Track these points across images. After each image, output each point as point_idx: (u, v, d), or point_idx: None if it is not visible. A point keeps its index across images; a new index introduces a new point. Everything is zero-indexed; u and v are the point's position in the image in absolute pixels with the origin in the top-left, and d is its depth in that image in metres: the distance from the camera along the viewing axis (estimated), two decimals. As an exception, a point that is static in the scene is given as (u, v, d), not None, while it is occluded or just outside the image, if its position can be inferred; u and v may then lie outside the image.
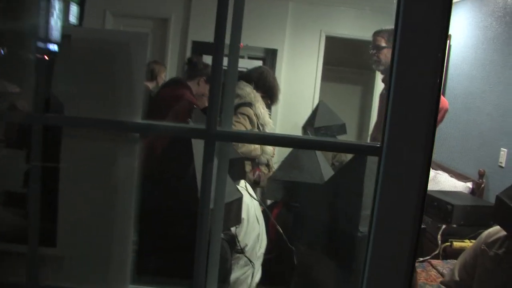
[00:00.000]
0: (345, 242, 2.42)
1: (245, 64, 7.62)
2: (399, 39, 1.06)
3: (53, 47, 1.23)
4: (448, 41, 6.18)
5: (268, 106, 4.69)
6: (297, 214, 3.57)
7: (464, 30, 6.07)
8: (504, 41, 5.20)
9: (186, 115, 4.08)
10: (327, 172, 3.73)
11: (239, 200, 2.68)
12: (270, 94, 4.57)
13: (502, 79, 5.14)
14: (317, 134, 6.62)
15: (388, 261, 1.14)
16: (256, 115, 4.28)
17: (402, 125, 1.06)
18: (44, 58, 1.23)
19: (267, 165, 4.46)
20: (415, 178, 1.07)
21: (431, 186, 5.78)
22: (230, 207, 2.56)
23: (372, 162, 2.62)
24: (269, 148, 4.35)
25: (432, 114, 1.04)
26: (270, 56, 7.82)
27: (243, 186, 3.44)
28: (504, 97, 5.08)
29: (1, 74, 1.49)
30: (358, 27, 7.73)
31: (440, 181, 5.74)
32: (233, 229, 2.89)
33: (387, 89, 3.46)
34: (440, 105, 4.12)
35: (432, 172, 6.03)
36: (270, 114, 4.66)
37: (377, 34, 4.19)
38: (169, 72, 7.42)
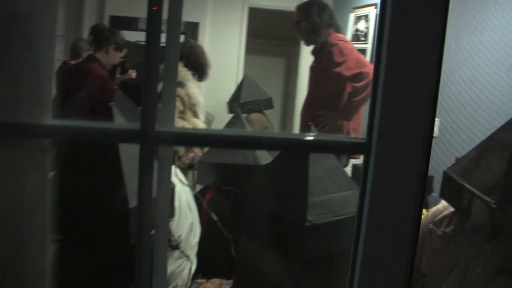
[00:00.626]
0: (291, 232, 2.22)
1: (164, 39, 7.29)
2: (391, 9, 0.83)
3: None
4: (375, 10, 6.09)
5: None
6: (234, 200, 3.36)
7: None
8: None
9: (104, 96, 3.77)
10: (262, 153, 3.52)
11: (172, 190, 2.43)
12: (200, 71, 4.27)
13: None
14: (243, 109, 6.43)
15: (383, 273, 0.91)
16: (188, 95, 3.99)
17: (395, 114, 0.83)
18: None
19: None
20: (411, 178, 0.85)
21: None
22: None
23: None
24: (201, 127, 4.06)
25: (431, 100, 0.82)
26: (191, 30, 7.51)
27: (172, 172, 3.19)
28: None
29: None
30: (280, -2, 7.55)
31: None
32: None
33: (321, 65, 3.30)
34: (371, 76, 4.00)
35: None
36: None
37: (296, 8, 4.20)
38: (86, 48, 7.03)
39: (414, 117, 0.84)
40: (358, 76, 3.89)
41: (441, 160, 3.80)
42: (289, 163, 2.42)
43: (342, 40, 4.07)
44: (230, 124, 3.68)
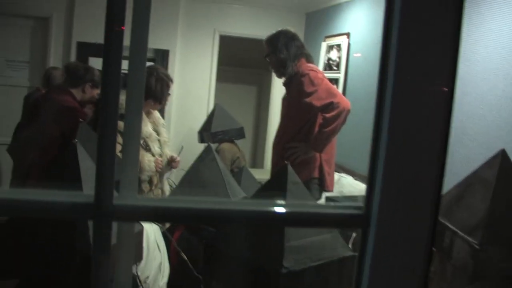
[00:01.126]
0: (266, 279, 2.08)
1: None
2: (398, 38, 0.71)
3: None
4: (347, 39, 6.04)
5: (160, 112, 4.27)
6: (205, 239, 3.20)
7: (363, 27, 5.90)
8: (406, 39, 5.04)
9: (70, 130, 3.61)
10: (233, 189, 3.38)
11: (140, 233, 2.28)
12: (155, 97, 3.99)
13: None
14: (214, 139, 6.32)
15: None
16: None
17: (400, 177, 0.71)
18: None
19: (149, 182, 3.96)
20: (417, 255, 0.72)
21: (335, 190, 5.58)
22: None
23: (292, 176, 2.31)
24: (148, 164, 3.85)
25: (441, 156, 0.69)
26: (161, 57, 7.39)
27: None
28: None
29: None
30: (252, 25, 7.52)
31: (345, 184, 5.54)
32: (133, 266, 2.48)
33: (292, 96, 3.19)
34: (342, 106, 3.94)
35: (336, 175, 5.84)
36: (163, 123, 4.21)
37: (264, 41, 4.15)
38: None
39: (421, 180, 0.72)
40: (329, 106, 3.81)
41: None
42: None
43: (312, 70, 3.98)
44: (200, 158, 3.53)
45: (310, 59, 4.14)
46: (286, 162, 2.24)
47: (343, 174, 5.77)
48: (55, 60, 7.00)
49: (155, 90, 3.90)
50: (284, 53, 3.99)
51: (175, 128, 7.48)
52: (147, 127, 3.87)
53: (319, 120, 3.91)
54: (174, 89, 7.41)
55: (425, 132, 0.78)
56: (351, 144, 5.89)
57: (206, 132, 6.40)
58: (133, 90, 0.89)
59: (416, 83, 0.78)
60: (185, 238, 3.37)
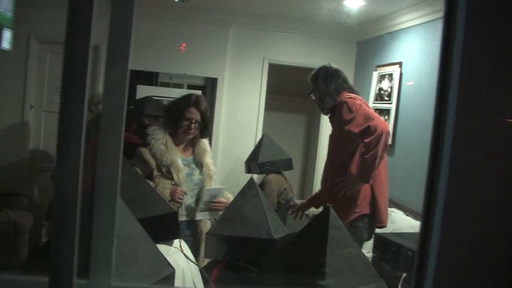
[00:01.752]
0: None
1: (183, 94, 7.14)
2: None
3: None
4: (399, 69, 5.84)
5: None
6: (245, 279, 3.05)
7: (416, 56, 5.70)
8: (461, 69, 4.82)
9: None
10: (276, 226, 3.21)
11: (171, 276, 2.14)
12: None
13: (461, 110, 4.75)
14: (261, 170, 6.18)
15: None
16: (152, 154, 3.66)
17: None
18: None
19: None
20: None
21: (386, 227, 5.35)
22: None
23: (334, 220, 2.14)
24: (161, 191, 3.66)
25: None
26: (210, 85, 7.33)
27: (177, 246, 2.91)
28: (463, 130, 4.68)
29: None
30: (302, 54, 7.40)
31: (396, 220, 5.31)
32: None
33: (336, 128, 3.05)
34: (380, 129, 3.76)
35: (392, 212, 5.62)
36: (209, 154, 4.04)
37: (308, 79, 4.18)
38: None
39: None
40: (367, 131, 3.64)
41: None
42: (305, 249, 2.12)
43: (350, 98, 3.85)
44: (242, 193, 3.39)
45: (353, 92, 4.00)
46: (328, 205, 2.08)
47: (393, 209, 5.54)
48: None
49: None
50: (323, 89, 3.97)
51: (222, 157, 7.38)
52: (171, 155, 3.69)
53: (362, 149, 3.76)
54: (222, 118, 7.34)
55: (492, 168, 0.64)
56: (402, 177, 5.67)
57: (253, 163, 6.27)
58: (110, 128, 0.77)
59: (481, 115, 0.69)
60: (225, 276, 3.22)
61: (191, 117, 3.75)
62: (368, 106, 3.89)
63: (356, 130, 3.70)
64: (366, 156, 3.64)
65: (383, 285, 2.02)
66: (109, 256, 0.89)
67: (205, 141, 3.98)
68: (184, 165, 3.78)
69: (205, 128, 3.91)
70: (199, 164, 3.91)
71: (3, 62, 6.66)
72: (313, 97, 4.13)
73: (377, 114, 3.89)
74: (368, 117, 3.70)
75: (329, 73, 4.02)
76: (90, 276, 0.84)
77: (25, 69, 6.88)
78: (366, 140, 3.64)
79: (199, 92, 5.20)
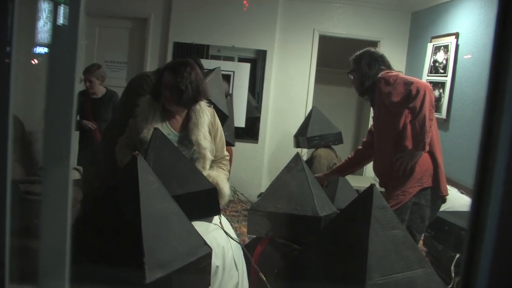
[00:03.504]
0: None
1: (233, 67, 7.05)
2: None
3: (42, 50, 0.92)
4: (455, 40, 5.60)
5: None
6: (288, 256, 2.96)
7: (474, 27, 5.44)
8: (522, 40, 4.57)
9: None
10: (322, 203, 3.10)
11: (207, 257, 2.05)
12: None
13: (521, 83, 4.51)
14: (310, 144, 6.06)
15: None
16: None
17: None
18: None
19: None
20: None
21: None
22: (194, 267, 1.94)
23: (378, 200, 2.02)
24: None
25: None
26: (261, 58, 7.22)
27: (217, 223, 2.83)
28: (523, 104, 4.44)
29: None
30: (354, 25, 7.22)
31: (449, 198, 5.11)
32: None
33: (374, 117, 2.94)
34: (422, 89, 3.62)
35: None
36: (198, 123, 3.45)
37: (350, 59, 4.05)
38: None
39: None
40: (409, 97, 3.51)
41: None
42: (348, 229, 2.00)
43: (386, 72, 3.74)
44: (288, 168, 3.29)
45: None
46: (372, 184, 1.96)
47: (448, 187, 5.35)
48: (152, 60, 7.01)
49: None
50: (366, 72, 3.86)
51: (271, 131, 7.29)
52: (146, 128, 3.23)
53: (409, 118, 3.63)
54: (271, 91, 7.22)
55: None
56: (457, 154, 5.46)
57: (302, 137, 6.15)
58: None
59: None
60: (268, 253, 3.14)
61: (165, 82, 3.31)
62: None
63: (398, 99, 3.60)
64: (415, 121, 3.51)
65: (431, 271, 1.89)
66: (63, 257, 0.79)
67: (199, 114, 3.40)
68: (175, 141, 3.25)
69: (184, 93, 3.28)
70: (191, 142, 3.31)
71: (57, 37, 6.70)
72: (351, 77, 4.02)
73: (415, 78, 3.76)
74: (406, 83, 3.59)
75: (374, 57, 3.91)
76: (39, 281, 0.76)
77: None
78: (410, 105, 3.52)
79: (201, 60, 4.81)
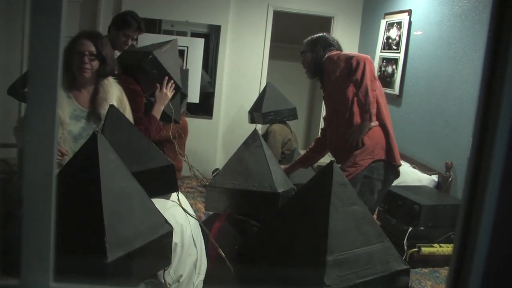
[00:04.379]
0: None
1: (186, 42, 6.97)
2: None
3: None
4: (408, 17, 5.65)
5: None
6: (245, 232, 2.98)
7: (426, 4, 5.50)
8: (473, 18, 4.65)
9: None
10: (280, 179, 3.12)
11: (168, 235, 2.05)
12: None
13: (472, 60, 4.60)
14: (265, 120, 6.08)
15: None
16: None
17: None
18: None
19: None
20: None
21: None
22: (155, 246, 1.93)
23: (338, 177, 2.03)
24: None
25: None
26: (214, 33, 7.15)
27: (175, 200, 2.82)
28: (474, 80, 4.54)
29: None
30: (308, 1, 7.20)
31: (402, 173, 5.20)
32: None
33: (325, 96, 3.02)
34: (361, 61, 3.69)
35: (393, 162, 5.52)
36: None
37: (304, 42, 4.16)
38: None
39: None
40: (350, 70, 3.63)
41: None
42: (308, 205, 2.02)
43: (331, 52, 3.90)
44: (245, 144, 3.29)
45: None
46: (332, 160, 1.97)
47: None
48: (104, 32, 6.87)
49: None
50: (320, 55, 3.96)
51: (225, 107, 7.26)
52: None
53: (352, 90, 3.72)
54: (225, 66, 7.18)
55: None
56: (410, 129, 5.55)
57: (256, 112, 6.15)
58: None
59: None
60: (225, 229, 3.15)
61: (82, 49, 3.19)
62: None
63: (341, 74, 3.70)
64: (358, 92, 3.59)
65: (389, 245, 1.92)
66: (46, 250, 0.78)
67: (106, 88, 3.31)
68: (81, 117, 3.21)
69: (103, 63, 3.24)
70: (99, 117, 3.22)
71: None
72: (303, 58, 4.10)
73: (357, 53, 3.87)
74: (347, 58, 3.71)
75: (329, 42, 4.01)
76: (21, 276, 0.74)
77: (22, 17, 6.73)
78: (353, 78, 3.60)
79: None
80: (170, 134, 4.36)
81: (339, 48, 4.00)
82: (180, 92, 4.35)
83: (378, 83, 3.77)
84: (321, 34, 4.07)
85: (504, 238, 0.82)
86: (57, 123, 0.87)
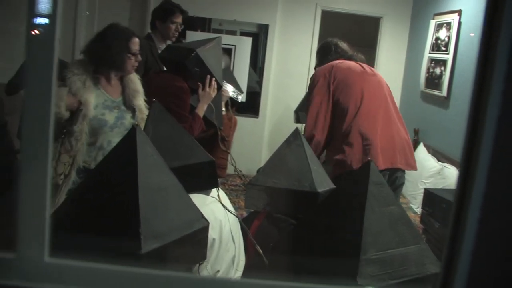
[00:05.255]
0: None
1: (234, 41, 7.00)
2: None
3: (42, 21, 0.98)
4: (458, 17, 5.56)
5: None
6: (284, 231, 2.98)
7: (476, 4, 5.40)
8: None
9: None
10: (320, 178, 3.11)
11: (204, 230, 2.06)
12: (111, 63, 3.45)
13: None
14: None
15: None
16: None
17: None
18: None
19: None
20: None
21: (437, 182, 5.18)
22: (190, 240, 1.95)
23: (375, 176, 2.02)
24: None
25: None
26: (263, 32, 7.18)
27: (215, 196, 2.84)
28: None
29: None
30: (356, 1, 7.16)
31: (448, 176, 5.13)
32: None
33: None
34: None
35: (438, 165, 5.44)
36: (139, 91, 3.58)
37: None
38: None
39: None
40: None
41: None
42: (344, 205, 2.01)
43: (326, 63, 4.03)
44: (287, 143, 3.29)
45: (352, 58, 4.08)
46: (370, 159, 1.96)
47: (445, 164, 5.36)
48: (153, 32, 6.96)
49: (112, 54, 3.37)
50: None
51: (272, 106, 7.27)
52: (87, 94, 3.26)
53: None
54: (273, 66, 7.20)
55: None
56: (457, 131, 5.46)
57: (302, 112, 6.13)
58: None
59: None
60: (264, 228, 3.15)
61: (136, 48, 3.37)
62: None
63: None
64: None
65: (425, 247, 1.90)
66: (42, 226, 0.79)
67: (136, 81, 3.53)
68: (113, 107, 3.40)
69: (142, 63, 3.65)
70: (131, 107, 3.47)
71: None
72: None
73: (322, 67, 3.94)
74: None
75: (326, 50, 4.17)
76: (17, 250, 0.76)
77: (74, 13, 6.88)
78: None
79: None
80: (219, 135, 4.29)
81: (340, 52, 3.98)
82: (237, 89, 4.43)
83: (356, 88, 3.75)
84: (323, 42, 4.22)
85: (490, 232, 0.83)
86: (52, 116, 0.90)
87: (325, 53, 4.06)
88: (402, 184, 3.80)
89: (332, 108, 3.74)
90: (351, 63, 3.94)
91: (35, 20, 0.92)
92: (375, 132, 3.68)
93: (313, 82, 3.70)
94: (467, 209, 0.82)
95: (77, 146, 3.22)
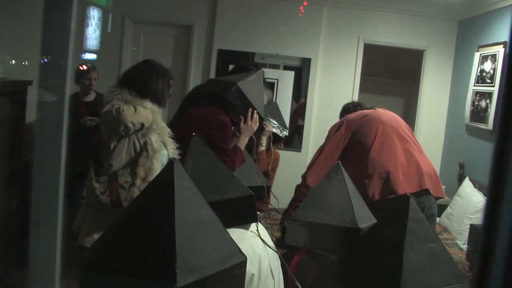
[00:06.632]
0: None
1: (276, 75, 7.04)
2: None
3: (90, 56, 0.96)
4: (504, 49, 5.48)
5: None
6: (325, 267, 2.94)
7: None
8: None
9: None
10: (361, 213, 3.06)
11: (241, 265, 2.04)
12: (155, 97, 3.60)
13: None
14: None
15: None
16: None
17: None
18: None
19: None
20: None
21: (481, 217, 5.05)
22: (227, 275, 1.93)
23: (414, 212, 1.98)
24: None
25: None
26: (305, 66, 7.20)
27: (254, 231, 2.82)
28: None
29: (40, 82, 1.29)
30: (399, 34, 7.13)
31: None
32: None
33: None
34: None
35: (482, 199, 5.32)
36: (169, 132, 3.69)
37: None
38: (192, 80, 6.95)
39: None
40: None
41: None
42: (383, 241, 1.98)
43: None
44: (328, 178, 3.26)
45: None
46: (409, 195, 1.92)
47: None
48: (196, 67, 7.06)
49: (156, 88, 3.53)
50: None
51: (314, 140, 7.25)
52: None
53: None
54: (315, 99, 7.19)
55: None
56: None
57: (344, 146, 6.09)
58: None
59: None
60: (305, 263, 3.12)
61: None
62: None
63: None
64: None
65: (467, 286, 1.84)
66: (53, 260, 0.79)
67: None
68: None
69: None
70: (163, 142, 3.59)
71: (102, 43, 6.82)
72: None
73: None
74: None
75: (345, 109, 4.71)
76: (29, 285, 0.76)
77: (120, 49, 7.02)
78: None
79: None
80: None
81: (357, 110, 4.35)
82: (282, 125, 4.57)
83: (371, 126, 4.01)
84: (344, 104, 4.72)
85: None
86: (65, 129, 0.91)
87: (345, 112, 4.45)
88: (433, 215, 3.77)
89: (351, 148, 4.07)
90: (365, 110, 4.29)
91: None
92: (393, 161, 3.81)
93: (330, 133, 3.90)
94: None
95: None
